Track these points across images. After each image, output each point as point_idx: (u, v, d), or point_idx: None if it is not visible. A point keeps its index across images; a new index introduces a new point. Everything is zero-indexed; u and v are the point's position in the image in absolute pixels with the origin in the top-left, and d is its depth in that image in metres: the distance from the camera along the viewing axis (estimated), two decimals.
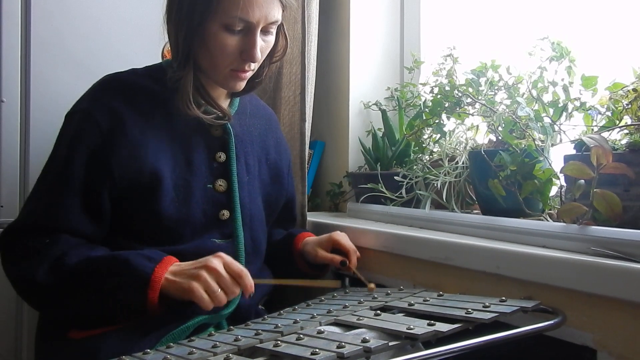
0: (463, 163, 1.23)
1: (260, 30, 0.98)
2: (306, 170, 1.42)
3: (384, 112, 1.53)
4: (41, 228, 0.95)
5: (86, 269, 0.90)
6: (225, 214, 1.05)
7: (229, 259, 0.90)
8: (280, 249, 1.19)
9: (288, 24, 1.46)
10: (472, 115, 1.20)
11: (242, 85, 1.05)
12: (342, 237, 1.14)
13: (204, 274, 0.87)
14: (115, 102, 0.99)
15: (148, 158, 0.97)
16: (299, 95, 1.41)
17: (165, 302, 0.90)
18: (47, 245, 0.93)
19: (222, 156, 1.07)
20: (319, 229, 1.34)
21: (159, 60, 1.14)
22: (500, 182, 1.03)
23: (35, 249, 0.93)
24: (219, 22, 0.95)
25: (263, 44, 1.00)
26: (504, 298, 0.78)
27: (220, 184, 1.05)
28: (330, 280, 0.96)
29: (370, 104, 1.60)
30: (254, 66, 1.03)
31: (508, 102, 1.12)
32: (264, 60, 1.06)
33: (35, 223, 0.95)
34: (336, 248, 1.12)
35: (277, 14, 0.99)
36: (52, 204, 0.96)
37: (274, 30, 1.02)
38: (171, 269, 0.90)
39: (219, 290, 0.87)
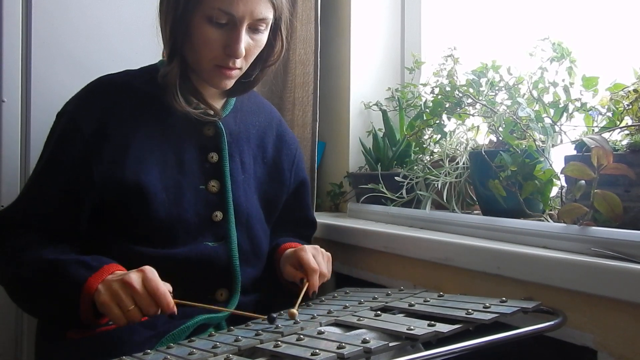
0: (463, 163, 1.23)
1: (249, 28, 0.97)
2: (315, 172, 1.40)
3: (384, 113, 1.53)
4: (9, 221, 0.97)
5: (33, 270, 0.90)
6: (219, 215, 1.04)
7: (151, 274, 0.83)
8: (269, 258, 1.15)
9: (300, 25, 1.45)
10: (473, 115, 1.20)
11: (228, 83, 1.03)
12: (304, 255, 1.00)
13: (118, 289, 0.82)
14: (102, 106, 0.99)
15: (132, 162, 0.97)
16: (311, 94, 1.41)
17: (101, 313, 0.87)
18: (9, 239, 0.95)
19: (214, 156, 1.06)
20: (320, 229, 1.34)
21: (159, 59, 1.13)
22: (501, 182, 1.03)
23: (1, 242, 0.96)
24: (202, 14, 0.95)
25: (251, 42, 0.99)
26: (504, 299, 0.78)
27: (213, 184, 1.04)
28: (256, 315, 0.88)
29: (370, 104, 1.60)
30: (240, 64, 1.00)
31: (509, 102, 1.12)
32: (255, 62, 1.05)
33: (9, 217, 0.98)
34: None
35: (264, 12, 0.97)
36: (28, 202, 0.98)
37: (263, 29, 1.00)
38: (106, 278, 0.86)
39: (133, 306, 0.82)
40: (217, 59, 0.98)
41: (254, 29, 0.98)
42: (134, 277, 0.83)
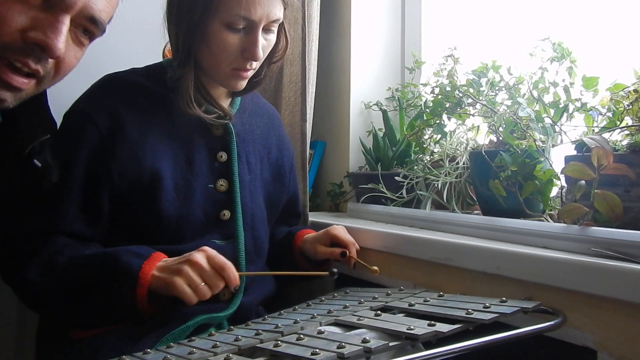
0: (464, 163, 1.23)
1: (262, 29, 0.98)
2: (307, 170, 1.42)
3: (384, 113, 1.53)
4: (37, 231, 0.94)
5: (76, 268, 0.90)
6: (226, 214, 1.05)
7: (212, 252, 0.89)
8: (281, 249, 1.18)
9: (289, 24, 1.45)
10: (473, 115, 1.20)
11: (243, 84, 1.04)
12: (339, 231, 1.13)
13: (187, 269, 0.86)
14: (114, 102, 0.99)
15: (148, 159, 0.97)
16: (299, 95, 1.41)
17: (155, 299, 0.90)
18: (40, 247, 0.93)
19: (223, 156, 1.06)
20: (320, 229, 1.34)
21: (160, 60, 1.13)
22: (501, 182, 1.03)
23: (30, 251, 0.93)
24: (220, 21, 0.95)
25: (265, 43, 1.00)
26: (504, 299, 0.78)
27: (222, 183, 1.05)
28: (319, 272, 1.02)
29: (371, 104, 1.60)
30: (256, 65, 1.02)
31: (509, 102, 1.12)
32: (264, 60, 1.06)
33: (31, 226, 0.95)
34: (335, 242, 1.12)
35: (278, 13, 0.99)
36: (50, 207, 0.95)
37: (275, 29, 1.02)
38: (158, 264, 0.89)
39: (202, 284, 0.87)
40: (235, 62, 0.99)
41: (267, 30, 1.00)
42: (199, 256, 0.88)
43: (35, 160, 0.84)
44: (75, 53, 0.76)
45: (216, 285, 0.88)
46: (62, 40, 0.70)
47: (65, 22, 0.70)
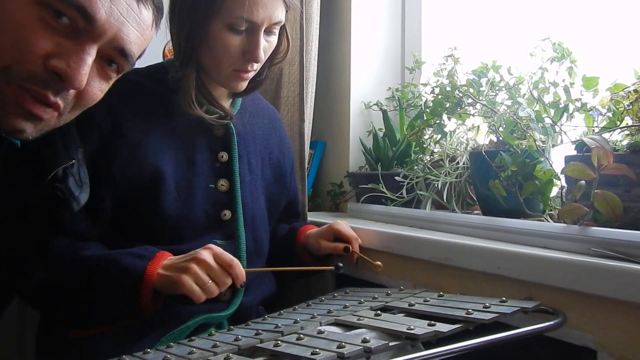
0: (464, 163, 1.23)
1: (264, 31, 0.98)
2: (306, 170, 1.42)
3: (384, 113, 1.53)
4: None
5: (79, 270, 0.90)
6: (227, 214, 1.05)
7: (218, 249, 0.90)
8: (284, 245, 1.19)
9: (288, 25, 1.46)
10: (473, 115, 1.20)
11: (243, 85, 1.04)
12: (342, 226, 1.14)
13: (194, 266, 0.86)
14: (116, 102, 0.98)
15: (149, 158, 0.97)
16: (297, 95, 1.41)
17: (158, 299, 0.90)
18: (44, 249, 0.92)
19: (224, 156, 1.07)
20: None
21: (160, 59, 1.14)
22: (501, 182, 1.03)
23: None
24: (222, 22, 0.95)
25: (266, 45, 1.00)
26: (504, 299, 0.78)
27: (222, 183, 1.05)
28: (324, 267, 1.05)
29: (371, 104, 1.60)
30: (257, 66, 1.03)
31: (509, 102, 1.12)
32: (265, 61, 1.06)
33: None
34: (338, 237, 1.13)
35: (280, 15, 0.99)
36: None
37: (277, 30, 1.02)
38: (164, 263, 0.90)
39: (210, 281, 0.87)
40: (236, 64, 0.99)
41: (268, 32, 1.00)
42: (205, 254, 0.88)
43: (57, 188, 0.78)
44: (100, 86, 0.71)
45: (224, 283, 0.88)
46: (84, 71, 0.64)
47: (92, 53, 0.65)
